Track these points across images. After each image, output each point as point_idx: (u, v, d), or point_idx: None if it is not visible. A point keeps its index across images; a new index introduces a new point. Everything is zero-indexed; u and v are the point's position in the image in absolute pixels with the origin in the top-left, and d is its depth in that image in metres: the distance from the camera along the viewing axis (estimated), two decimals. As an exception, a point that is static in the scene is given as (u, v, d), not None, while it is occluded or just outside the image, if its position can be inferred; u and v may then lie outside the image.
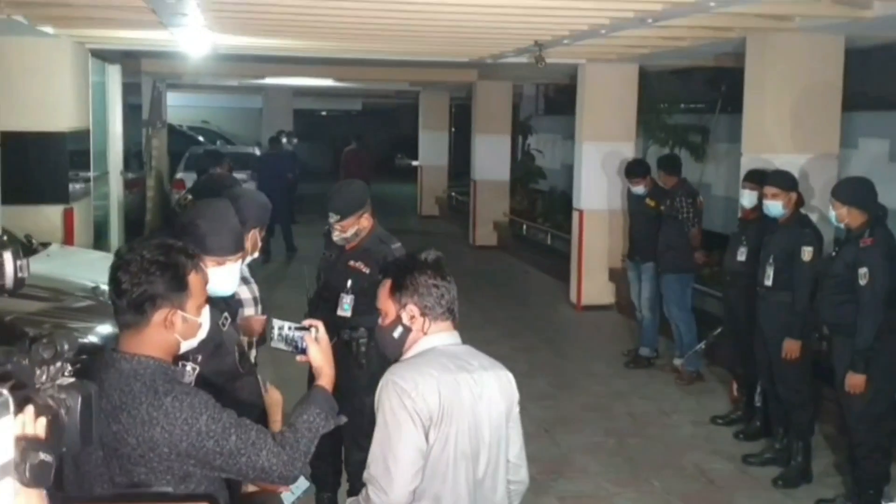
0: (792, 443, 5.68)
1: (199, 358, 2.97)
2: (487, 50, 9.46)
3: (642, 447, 6.20)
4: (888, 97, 10.33)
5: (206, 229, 3.03)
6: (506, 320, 9.75)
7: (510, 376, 2.77)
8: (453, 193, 18.77)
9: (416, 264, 2.71)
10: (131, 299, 2.28)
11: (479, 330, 9.05)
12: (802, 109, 7.03)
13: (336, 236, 4.38)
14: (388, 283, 2.71)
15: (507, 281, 12.34)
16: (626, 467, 5.84)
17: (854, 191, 5.16)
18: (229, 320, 3.20)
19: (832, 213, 5.17)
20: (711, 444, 6.26)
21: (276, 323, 2.66)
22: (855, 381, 4.90)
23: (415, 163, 19.93)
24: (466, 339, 2.75)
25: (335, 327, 4.29)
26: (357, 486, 4.19)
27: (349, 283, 4.37)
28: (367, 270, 4.34)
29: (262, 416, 3.06)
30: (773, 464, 5.78)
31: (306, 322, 2.65)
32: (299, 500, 3.03)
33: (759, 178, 6.15)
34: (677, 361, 7.71)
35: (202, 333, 2.45)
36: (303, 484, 2.96)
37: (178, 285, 2.33)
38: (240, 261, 3.20)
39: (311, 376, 2.65)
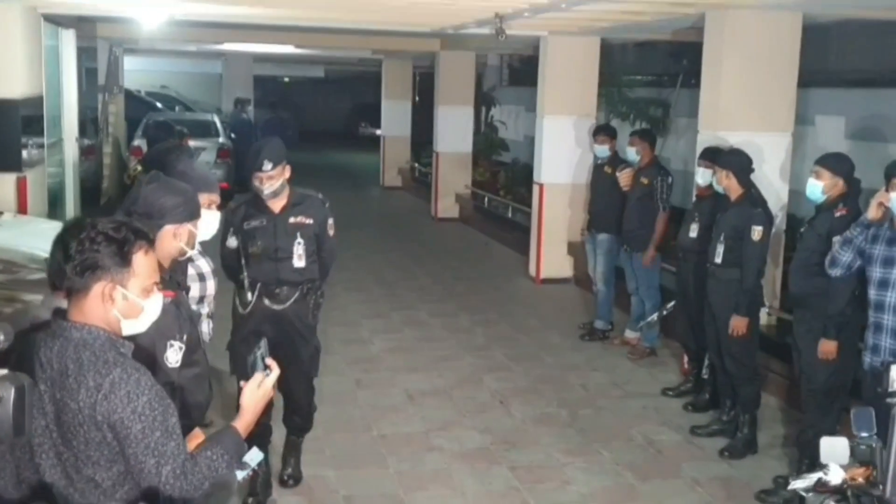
0: (738, 415, 5.79)
1: (185, 338, 2.97)
2: (449, 20, 9.43)
3: (593, 418, 6.30)
4: (845, 74, 10.45)
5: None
6: (465, 293, 9.78)
7: None
8: (416, 164, 18.62)
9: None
10: (75, 265, 2.31)
11: (440, 303, 8.96)
12: (759, 86, 7.06)
13: (267, 189, 4.65)
14: None
15: (468, 254, 12.37)
16: (578, 438, 5.93)
17: (843, 162, 5.15)
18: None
19: (815, 183, 5.06)
20: (661, 415, 6.37)
21: (264, 344, 2.76)
22: (827, 347, 4.86)
23: (378, 132, 19.72)
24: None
25: (286, 282, 4.75)
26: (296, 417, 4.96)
27: (298, 236, 4.73)
28: (310, 221, 4.77)
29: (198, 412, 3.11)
30: (719, 435, 5.91)
31: (268, 360, 2.72)
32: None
33: (713, 156, 6.21)
34: (629, 334, 7.79)
35: (147, 318, 2.44)
36: (257, 456, 2.95)
37: (121, 260, 2.34)
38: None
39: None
